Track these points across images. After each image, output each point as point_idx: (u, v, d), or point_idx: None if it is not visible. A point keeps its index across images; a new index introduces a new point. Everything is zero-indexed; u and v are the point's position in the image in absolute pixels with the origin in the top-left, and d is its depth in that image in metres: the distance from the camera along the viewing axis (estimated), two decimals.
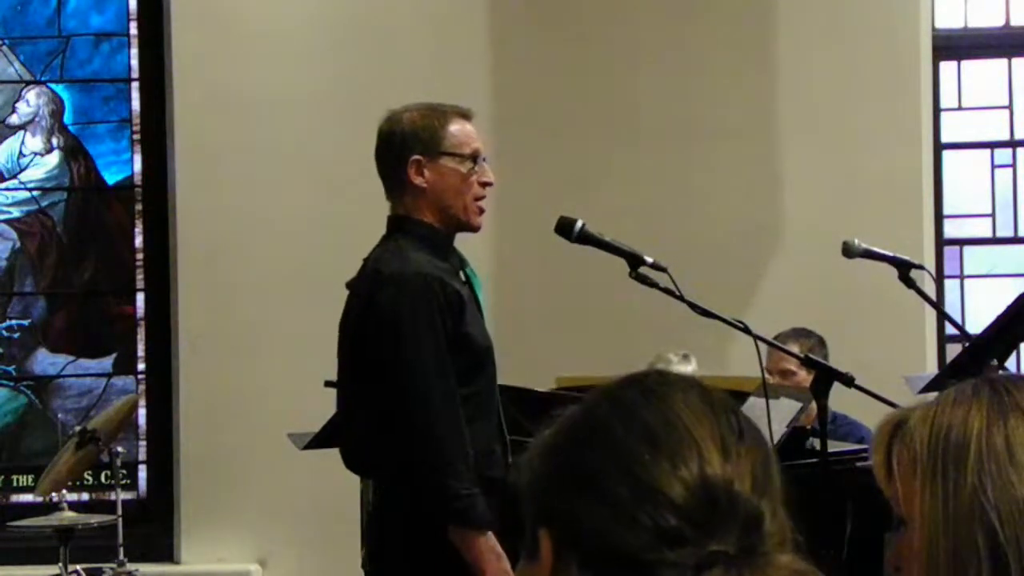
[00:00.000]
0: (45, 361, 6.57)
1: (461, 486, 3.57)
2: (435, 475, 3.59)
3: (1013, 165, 6.76)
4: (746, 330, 3.67)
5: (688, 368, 5.36)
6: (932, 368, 6.24)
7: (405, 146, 3.79)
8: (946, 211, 6.71)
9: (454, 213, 3.80)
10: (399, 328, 3.65)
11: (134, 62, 6.54)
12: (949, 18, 6.76)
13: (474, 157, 3.81)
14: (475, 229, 3.86)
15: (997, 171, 6.77)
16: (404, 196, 3.82)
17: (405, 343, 3.64)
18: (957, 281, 6.74)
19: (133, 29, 6.54)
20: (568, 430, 1.39)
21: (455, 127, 3.82)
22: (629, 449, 1.33)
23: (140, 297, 6.49)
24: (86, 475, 6.31)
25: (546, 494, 1.35)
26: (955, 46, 6.75)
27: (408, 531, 3.68)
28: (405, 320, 3.64)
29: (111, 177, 6.59)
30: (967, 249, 6.77)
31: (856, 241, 4.27)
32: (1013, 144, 6.77)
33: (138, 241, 6.50)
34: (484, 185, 3.83)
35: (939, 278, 6.45)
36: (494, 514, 3.74)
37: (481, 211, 3.84)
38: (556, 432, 1.40)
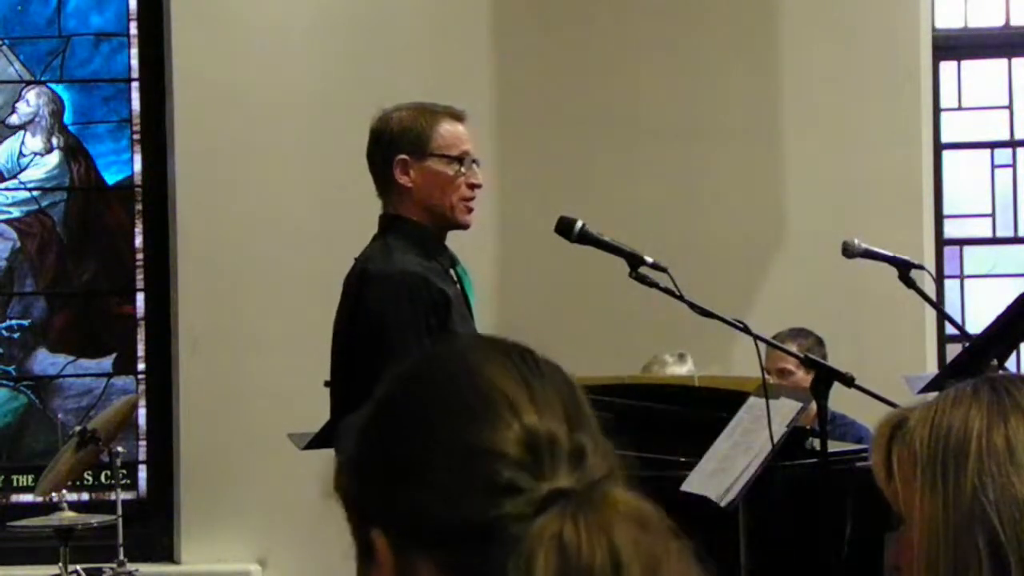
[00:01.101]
0: (45, 361, 6.56)
1: None
2: None
3: (1013, 165, 6.76)
4: (746, 330, 3.67)
5: (683, 368, 5.36)
6: (932, 368, 6.24)
7: (392, 146, 3.82)
8: (946, 211, 6.71)
9: (440, 212, 3.82)
10: (383, 326, 3.67)
11: (134, 62, 6.54)
12: (949, 18, 6.76)
13: (462, 159, 3.82)
14: (464, 226, 3.88)
15: (997, 171, 6.77)
16: (392, 195, 3.85)
17: (388, 341, 3.65)
18: (957, 281, 6.74)
19: (133, 29, 6.54)
20: (374, 427, 1.38)
21: (444, 128, 3.83)
22: (444, 425, 1.32)
23: (140, 297, 6.49)
24: (86, 475, 6.31)
25: (370, 496, 1.34)
26: (955, 46, 6.75)
27: None
28: (389, 318, 3.66)
29: (111, 177, 6.59)
30: (967, 249, 6.77)
31: (856, 241, 4.27)
32: (1013, 144, 6.77)
33: (138, 241, 6.50)
34: (472, 187, 3.84)
35: (939, 278, 6.45)
36: None
37: (469, 210, 3.86)
38: (362, 435, 1.39)
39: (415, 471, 1.32)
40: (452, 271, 3.86)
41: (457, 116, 3.88)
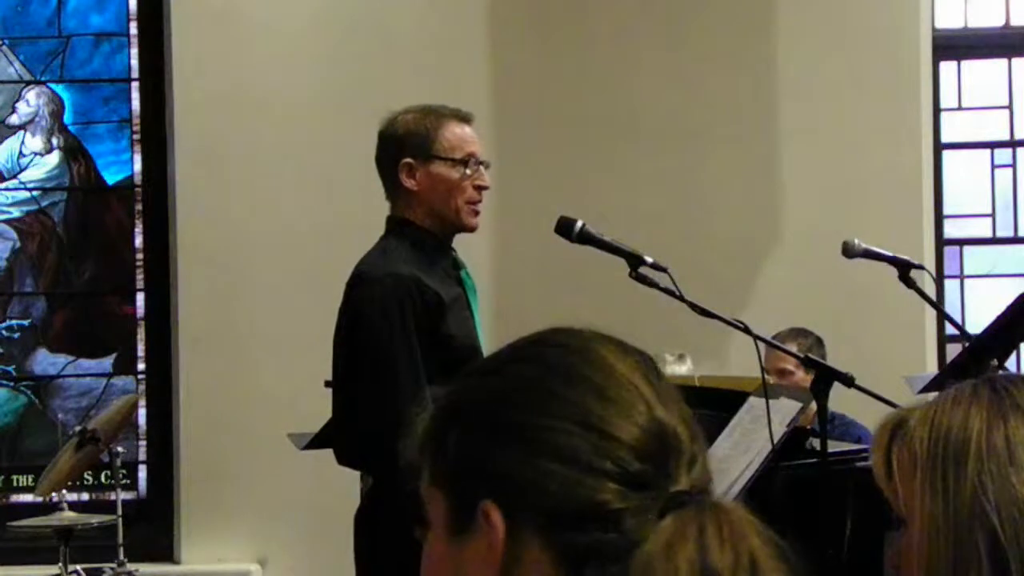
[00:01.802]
0: (45, 361, 6.57)
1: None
2: (398, 474, 3.59)
3: (1013, 165, 6.76)
4: (746, 330, 3.66)
5: (683, 368, 5.36)
6: (932, 368, 6.24)
7: (398, 148, 3.82)
8: (946, 211, 6.71)
9: (446, 215, 3.82)
10: (370, 327, 3.68)
11: (134, 62, 6.54)
12: (949, 18, 6.76)
13: (467, 161, 3.82)
14: (470, 229, 3.88)
15: (997, 171, 6.77)
16: (399, 198, 3.86)
17: (375, 342, 3.67)
18: (957, 281, 6.74)
19: (133, 29, 6.54)
20: (494, 397, 1.35)
21: (449, 131, 3.83)
22: (577, 403, 1.31)
23: (140, 297, 6.49)
24: (86, 475, 6.31)
25: (487, 464, 1.31)
26: (955, 46, 6.75)
27: (391, 530, 3.68)
28: (375, 320, 3.67)
29: (111, 177, 6.59)
30: (967, 249, 6.78)
31: (856, 241, 4.26)
32: (1013, 144, 6.78)
33: (138, 241, 6.50)
34: (478, 189, 3.84)
35: (939, 278, 6.45)
36: None
37: (475, 213, 3.85)
38: (474, 403, 1.36)
39: (544, 441, 1.30)
40: (456, 274, 3.86)
41: (464, 118, 3.88)
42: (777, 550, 1.28)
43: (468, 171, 3.82)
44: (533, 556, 1.28)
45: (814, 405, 3.67)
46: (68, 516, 5.20)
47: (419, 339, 3.66)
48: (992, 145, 6.78)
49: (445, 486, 1.35)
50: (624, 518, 1.27)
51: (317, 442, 4.55)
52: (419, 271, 3.73)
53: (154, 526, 6.35)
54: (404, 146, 3.82)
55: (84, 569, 5.24)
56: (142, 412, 6.42)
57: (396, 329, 3.66)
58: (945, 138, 6.72)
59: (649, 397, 1.34)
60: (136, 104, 6.53)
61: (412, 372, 3.65)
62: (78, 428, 5.35)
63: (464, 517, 1.32)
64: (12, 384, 6.56)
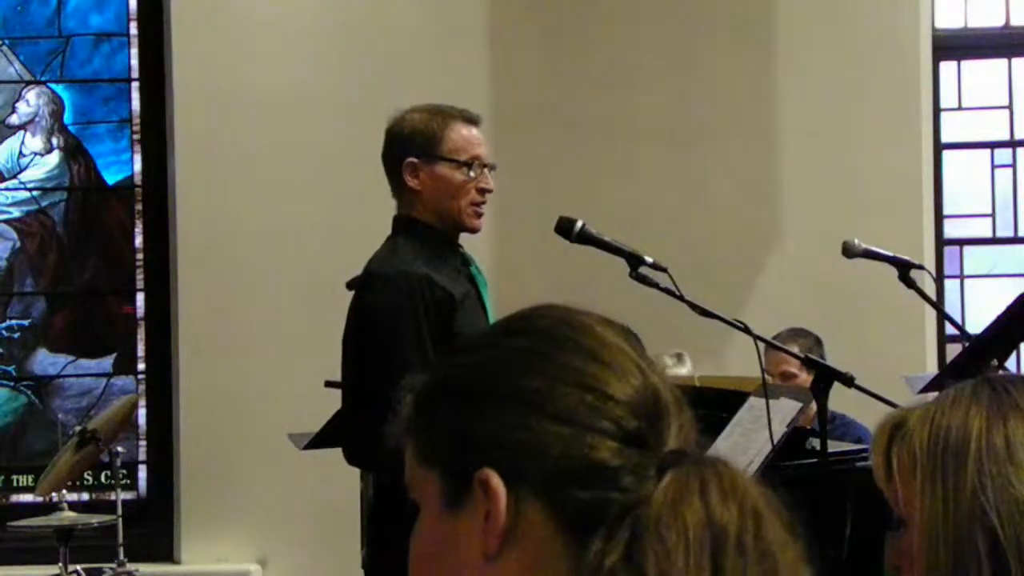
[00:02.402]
0: (45, 361, 6.57)
1: None
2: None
3: (1013, 165, 6.76)
4: (746, 330, 3.67)
5: (682, 369, 5.36)
6: (932, 368, 6.24)
7: (403, 148, 3.82)
8: (946, 211, 6.71)
9: (448, 216, 3.82)
10: (381, 326, 3.68)
11: (134, 62, 6.54)
12: (949, 18, 6.76)
13: (471, 163, 3.81)
14: (472, 231, 3.88)
15: (997, 171, 6.77)
16: (403, 197, 3.85)
17: (387, 341, 3.66)
18: (957, 281, 6.74)
19: (133, 29, 6.54)
20: (485, 367, 1.35)
21: (455, 132, 3.82)
22: (574, 367, 1.32)
23: (140, 297, 6.49)
24: (86, 475, 6.31)
25: (485, 428, 1.31)
26: (955, 46, 6.76)
27: (407, 529, 3.68)
28: (387, 319, 3.67)
29: (111, 177, 6.59)
30: (967, 249, 6.78)
31: (856, 241, 4.27)
32: (1013, 144, 6.78)
33: (138, 241, 6.50)
34: (482, 192, 3.84)
35: (939, 278, 6.45)
36: None
37: (479, 215, 3.85)
38: (464, 375, 1.36)
39: (541, 403, 1.30)
40: (467, 271, 3.86)
41: (471, 119, 3.87)
42: (775, 503, 1.29)
43: (472, 173, 3.81)
44: (533, 519, 1.28)
45: (814, 405, 3.67)
46: (68, 516, 5.20)
47: (430, 337, 3.66)
48: (992, 145, 6.78)
49: (437, 462, 1.34)
50: (622, 475, 1.27)
51: (317, 442, 4.55)
52: (430, 269, 3.73)
53: (154, 526, 6.35)
54: (409, 145, 3.81)
55: (84, 569, 5.24)
56: (142, 412, 6.42)
57: (408, 327, 3.65)
58: (945, 138, 6.72)
59: (640, 362, 1.35)
60: (136, 104, 6.53)
61: (423, 370, 3.64)
62: (78, 428, 5.35)
63: (459, 490, 1.32)
64: (12, 384, 6.56)
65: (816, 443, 3.71)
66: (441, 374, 1.39)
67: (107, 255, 6.57)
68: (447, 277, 3.76)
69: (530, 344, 1.35)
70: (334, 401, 4.01)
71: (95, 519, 5.28)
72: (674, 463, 1.27)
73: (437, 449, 1.34)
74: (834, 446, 3.98)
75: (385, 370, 3.66)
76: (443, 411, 1.35)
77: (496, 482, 1.29)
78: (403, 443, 1.39)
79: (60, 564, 5.15)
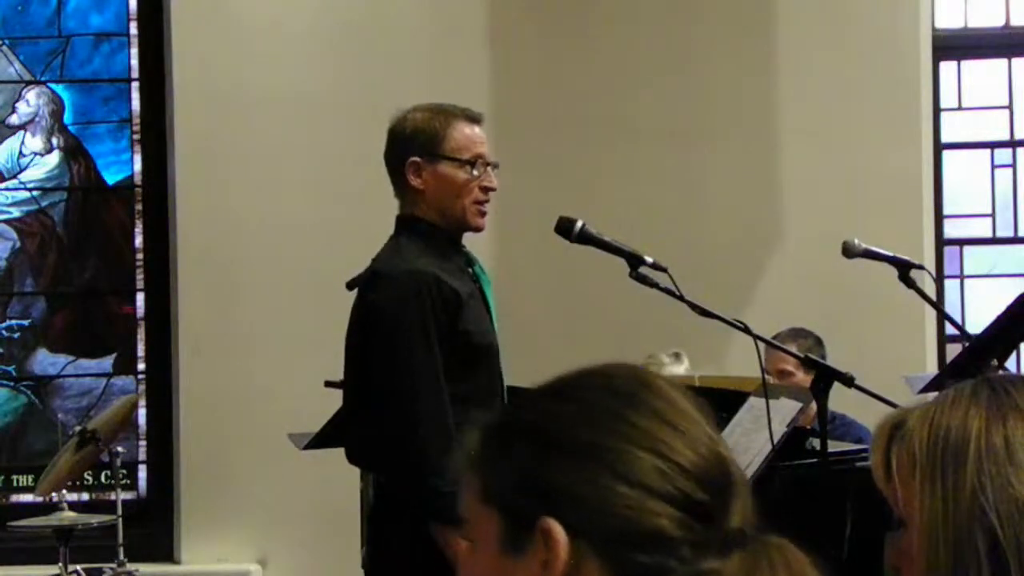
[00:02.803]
0: (45, 361, 6.57)
1: (443, 484, 3.58)
2: (417, 472, 3.60)
3: (1013, 165, 6.76)
4: (746, 330, 3.67)
5: (680, 368, 5.35)
6: (932, 368, 6.24)
7: (406, 147, 3.81)
8: (946, 211, 6.71)
9: (452, 215, 3.81)
10: (388, 325, 3.67)
11: (134, 62, 6.54)
12: (949, 18, 6.76)
13: (474, 162, 3.81)
14: (476, 230, 3.87)
15: (997, 171, 6.77)
16: (406, 197, 3.85)
17: (393, 340, 3.65)
18: (957, 281, 6.74)
19: (133, 29, 6.54)
20: (562, 418, 1.36)
21: (458, 131, 3.82)
22: (645, 429, 1.32)
23: (140, 297, 6.49)
24: (86, 475, 6.31)
25: (552, 482, 1.31)
26: (955, 46, 6.75)
27: (408, 530, 3.69)
28: (394, 318, 3.66)
29: (111, 177, 6.59)
30: (967, 249, 6.78)
31: (856, 241, 4.26)
32: (1013, 144, 6.77)
33: (138, 241, 6.50)
34: (485, 190, 3.83)
35: (939, 278, 6.45)
36: None
37: (482, 213, 3.85)
38: (540, 422, 1.36)
39: (614, 464, 1.30)
40: (470, 270, 3.86)
41: (473, 118, 3.86)
42: None
43: (475, 172, 3.81)
44: (590, 575, 1.28)
45: (814, 405, 3.67)
46: (68, 516, 5.20)
47: (437, 336, 3.66)
48: (992, 145, 6.78)
49: (502, 503, 1.34)
50: (683, 546, 1.28)
51: (317, 442, 4.55)
52: (435, 267, 3.72)
53: (154, 526, 6.35)
54: (412, 144, 3.81)
55: (84, 569, 5.24)
56: (142, 412, 6.42)
57: (415, 326, 3.65)
58: (945, 138, 6.72)
59: (710, 431, 1.36)
60: (136, 104, 6.53)
61: (429, 369, 3.64)
62: (78, 428, 5.35)
63: (520, 534, 1.32)
64: (12, 384, 6.56)
65: (816, 443, 3.71)
66: (516, 417, 1.39)
67: (107, 255, 6.57)
68: (452, 275, 3.76)
69: (608, 402, 1.36)
70: (334, 401, 4.01)
71: (95, 519, 5.28)
72: (741, 543, 1.28)
73: (503, 490, 1.34)
74: (834, 446, 3.98)
75: (391, 370, 3.66)
76: (514, 454, 1.35)
77: (559, 533, 1.29)
78: (464, 477, 1.39)
79: (60, 564, 5.15)
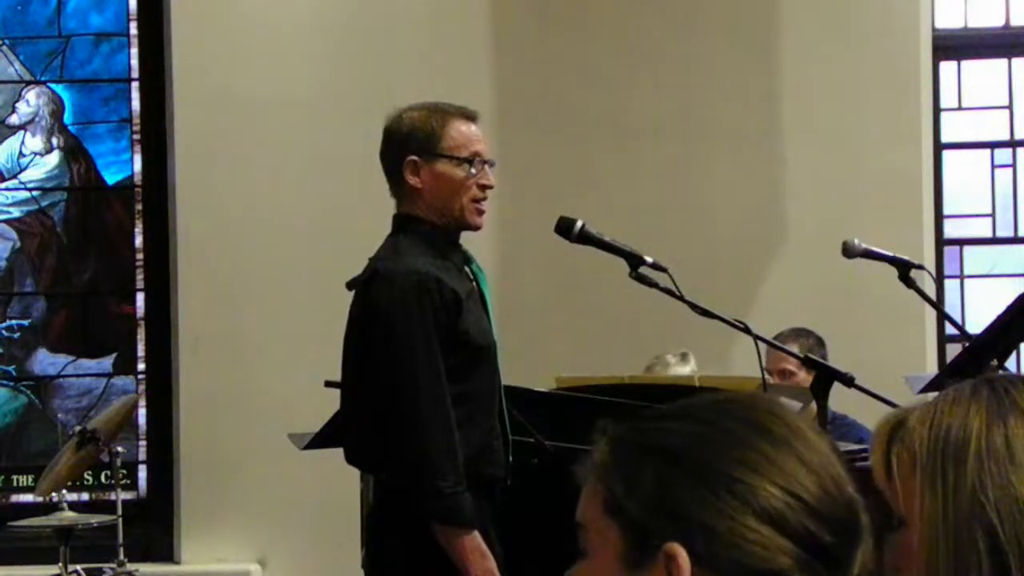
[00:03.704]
0: (45, 361, 6.56)
1: (445, 485, 3.58)
2: (419, 473, 3.60)
3: (1013, 165, 6.76)
4: (746, 330, 3.67)
5: (686, 368, 5.35)
6: (932, 368, 6.24)
7: (403, 146, 3.80)
8: (946, 211, 6.71)
9: (450, 213, 3.80)
10: (389, 326, 3.66)
11: (134, 62, 6.54)
12: (949, 18, 6.76)
13: (472, 160, 3.80)
14: (475, 228, 3.86)
15: (997, 171, 6.77)
16: (404, 196, 3.83)
17: (394, 341, 3.65)
18: (957, 281, 6.74)
19: (133, 29, 6.54)
20: (701, 444, 1.35)
21: (455, 129, 3.81)
22: (782, 467, 1.32)
23: (140, 297, 6.49)
24: (86, 475, 6.31)
25: (685, 508, 1.31)
26: (955, 46, 6.75)
27: (408, 530, 3.69)
28: (395, 318, 3.65)
29: (111, 177, 6.59)
30: (967, 249, 6.77)
31: (856, 241, 4.26)
32: (1013, 144, 6.77)
33: (138, 241, 6.50)
34: (483, 188, 3.82)
35: (939, 278, 6.45)
36: (495, 513, 3.75)
37: (480, 211, 3.84)
38: (678, 445, 1.35)
39: (748, 499, 1.30)
40: (467, 269, 3.85)
41: (469, 116, 3.86)
42: None
43: (473, 170, 3.80)
44: None
45: (814, 405, 3.66)
46: (68, 516, 5.20)
47: (437, 336, 3.65)
48: (992, 145, 6.78)
49: (628, 519, 1.33)
50: None
51: (317, 442, 4.54)
52: (435, 267, 3.72)
53: (154, 526, 6.35)
54: (409, 143, 3.80)
55: (84, 569, 5.24)
56: (142, 412, 6.42)
57: (415, 326, 3.64)
58: (945, 138, 6.72)
59: (843, 474, 1.36)
60: (136, 104, 6.53)
61: (431, 370, 3.64)
62: (78, 428, 5.35)
63: (643, 554, 1.31)
64: (12, 384, 6.56)
65: None
66: (650, 435, 1.37)
67: (107, 255, 6.57)
68: (451, 275, 3.75)
69: (745, 433, 1.35)
70: (334, 401, 4.00)
71: (95, 519, 5.28)
72: None
73: (632, 507, 1.33)
74: None
75: (391, 370, 3.65)
76: (647, 473, 1.34)
77: (684, 560, 1.29)
78: (586, 481, 1.38)
79: (60, 564, 5.15)
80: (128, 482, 6.38)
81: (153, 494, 6.44)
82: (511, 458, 3.84)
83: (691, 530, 1.30)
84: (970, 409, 1.67)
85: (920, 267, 4.24)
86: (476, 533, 3.63)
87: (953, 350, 6.39)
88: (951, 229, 6.73)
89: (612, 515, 1.35)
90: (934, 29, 6.66)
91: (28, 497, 6.29)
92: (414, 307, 3.65)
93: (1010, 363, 4.54)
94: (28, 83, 6.58)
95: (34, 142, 6.59)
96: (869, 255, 4.23)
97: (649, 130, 6.46)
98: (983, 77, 6.79)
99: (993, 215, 6.76)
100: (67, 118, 6.59)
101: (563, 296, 6.38)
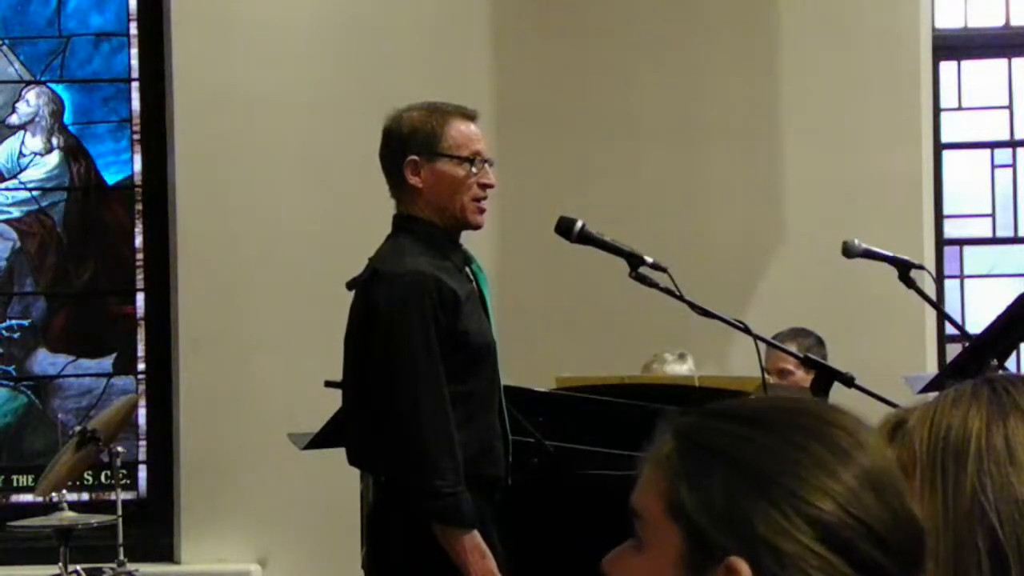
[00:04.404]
0: (45, 361, 6.56)
1: (445, 484, 3.58)
2: (419, 473, 3.60)
3: (1013, 165, 6.76)
4: (746, 330, 3.67)
5: (684, 368, 5.35)
6: (932, 368, 6.24)
7: (403, 146, 3.80)
8: (946, 211, 6.71)
9: (451, 213, 3.81)
10: (389, 326, 3.66)
11: (134, 62, 6.54)
12: (949, 18, 6.76)
13: (473, 159, 3.81)
14: (476, 227, 3.86)
15: (997, 171, 6.77)
16: (404, 196, 3.83)
17: (394, 341, 3.65)
18: (957, 281, 6.74)
19: (133, 29, 6.54)
20: (775, 459, 1.33)
21: (455, 128, 3.81)
22: (850, 487, 1.31)
23: (140, 297, 6.49)
24: (86, 475, 6.31)
25: (755, 524, 1.29)
26: (955, 46, 6.75)
27: (408, 530, 3.69)
28: (395, 318, 3.65)
29: (111, 177, 6.59)
30: (967, 249, 6.77)
31: (856, 241, 4.26)
32: (1013, 144, 6.78)
33: (138, 241, 6.50)
34: (484, 187, 3.83)
35: (939, 278, 6.45)
36: (495, 512, 3.75)
37: (481, 210, 3.84)
38: (749, 455, 1.33)
39: (817, 522, 1.29)
40: (467, 269, 3.85)
41: (469, 116, 3.86)
42: None
43: (474, 169, 3.80)
44: None
45: None
46: (68, 516, 5.20)
47: (437, 337, 3.65)
48: (992, 145, 6.78)
49: (692, 525, 1.32)
50: None
51: (317, 442, 4.54)
52: (435, 267, 3.72)
53: (154, 526, 6.35)
54: (409, 143, 3.80)
55: (84, 569, 5.24)
56: (142, 412, 6.42)
57: (415, 327, 3.64)
58: (945, 138, 6.72)
59: (907, 490, 1.35)
60: (136, 104, 6.53)
61: (431, 370, 3.64)
62: (78, 428, 5.35)
63: (703, 562, 1.30)
64: (12, 384, 6.56)
65: None
66: (722, 437, 1.35)
67: (107, 255, 6.57)
68: (451, 275, 3.75)
69: (819, 451, 1.34)
70: (334, 401, 4.00)
71: (95, 519, 5.28)
72: None
73: (696, 513, 1.32)
74: None
75: (391, 371, 3.65)
76: (717, 479, 1.32)
77: (744, 572, 1.28)
78: (646, 471, 1.36)
79: (60, 564, 5.15)
80: (128, 482, 6.38)
81: (153, 494, 6.44)
82: (511, 458, 3.84)
83: (759, 549, 1.29)
84: (970, 409, 1.67)
85: (920, 267, 4.24)
86: (476, 532, 3.64)
87: (953, 350, 6.39)
88: (951, 229, 6.73)
89: (675, 517, 1.33)
90: (934, 29, 6.66)
91: (28, 497, 6.29)
92: (414, 307, 3.65)
93: (1010, 363, 4.54)
94: (28, 83, 6.58)
95: (34, 142, 6.59)
96: (869, 255, 4.23)
97: (649, 130, 6.46)
98: (983, 77, 6.79)
99: (993, 215, 6.76)
100: (67, 118, 6.59)
101: (563, 296, 6.38)
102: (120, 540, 5.27)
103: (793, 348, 4.81)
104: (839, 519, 1.30)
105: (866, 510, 1.31)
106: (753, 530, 1.29)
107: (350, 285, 3.88)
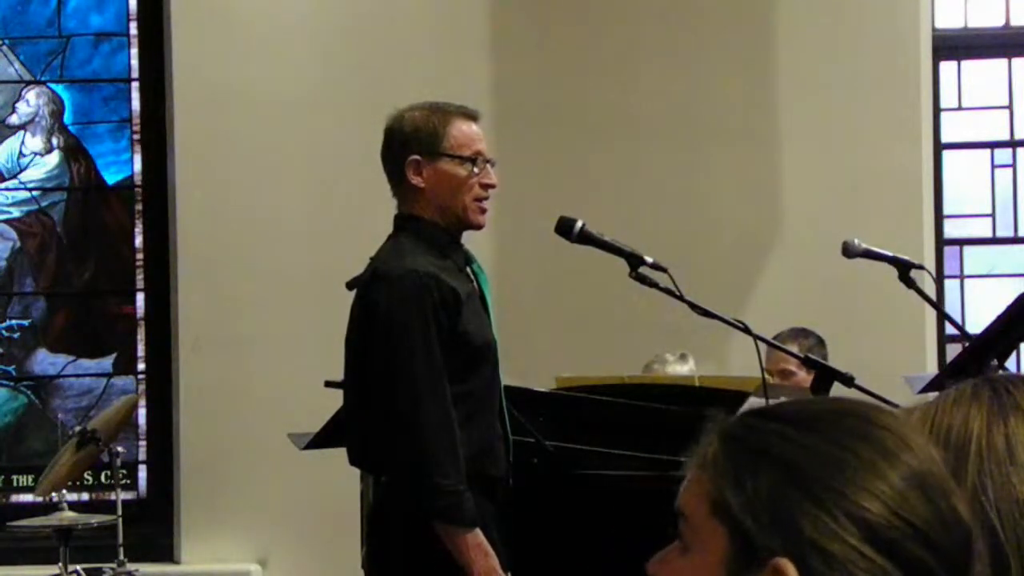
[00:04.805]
0: (45, 361, 6.56)
1: (447, 483, 3.58)
2: (421, 472, 3.60)
3: (1013, 165, 6.76)
4: (746, 330, 3.67)
5: (684, 368, 5.35)
6: (932, 368, 6.24)
7: (405, 146, 3.81)
8: (946, 211, 6.71)
9: (453, 213, 3.81)
10: (390, 326, 3.66)
11: (134, 62, 6.54)
12: (949, 18, 6.76)
13: (475, 159, 3.81)
14: (478, 227, 3.87)
15: (997, 171, 6.77)
16: (406, 195, 3.84)
17: (395, 341, 3.65)
18: (957, 281, 6.74)
19: (133, 29, 6.54)
20: (822, 460, 1.32)
21: (457, 128, 3.82)
22: (898, 489, 1.30)
23: (140, 297, 6.49)
24: (86, 475, 6.31)
25: (803, 526, 1.29)
26: (955, 46, 6.75)
27: (408, 530, 3.69)
28: (396, 318, 3.66)
29: (111, 177, 6.59)
30: (967, 249, 6.77)
31: (856, 241, 4.26)
32: (1013, 144, 6.78)
33: (138, 241, 6.50)
34: (485, 187, 3.83)
35: (939, 278, 6.45)
36: (496, 512, 3.75)
37: (483, 210, 3.84)
38: (798, 457, 1.32)
39: (865, 525, 1.28)
40: (468, 269, 3.85)
41: (470, 116, 3.86)
42: None
43: (476, 169, 3.81)
44: None
45: None
46: (68, 516, 5.20)
47: (437, 337, 3.66)
48: (992, 145, 6.78)
49: (739, 526, 1.31)
50: None
51: (317, 442, 4.54)
52: (435, 267, 3.72)
53: (154, 526, 6.35)
54: (411, 143, 3.80)
55: (84, 569, 5.24)
56: (142, 412, 6.42)
57: (416, 327, 3.65)
58: (945, 138, 6.72)
59: (959, 493, 1.34)
60: (136, 104, 6.53)
61: (431, 370, 3.64)
62: (78, 428, 5.35)
63: (749, 563, 1.30)
64: (12, 384, 6.56)
65: None
66: (769, 438, 1.35)
67: (107, 255, 6.57)
68: (452, 275, 3.76)
69: (868, 454, 1.33)
70: (334, 401, 4.01)
71: (95, 519, 5.28)
72: None
73: (743, 514, 1.31)
74: None
75: (392, 370, 3.65)
76: (763, 481, 1.31)
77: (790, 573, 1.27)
78: (691, 473, 1.35)
79: (60, 564, 5.15)
80: (128, 482, 6.38)
81: (153, 494, 6.44)
82: (511, 458, 3.84)
83: (803, 548, 1.28)
84: (971, 409, 1.66)
85: (920, 267, 4.24)
86: (478, 531, 3.64)
87: (953, 350, 6.39)
88: (951, 229, 6.74)
89: (720, 518, 1.32)
90: (934, 29, 6.66)
91: (28, 497, 6.30)
92: (414, 307, 3.65)
93: (1010, 363, 4.54)
94: (28, 83, 6.58)
95: (34, 142, 6.59)
96: (869, 255, 4.23)
97: (649, 130, 6.46)
98: (983, 77, 6.79)
99: (993, 215, 6.76)
100: (67, 118, 6.60)
101: (563, 296, 6.38)
102: (120, 540, 5.28)
103: (794, 348, 4.81)
104: (886, 520, 1.29)
105: (913, 511, 1.30)
106: (799, 531, 1.28)
107: (350, 285, 3.88)
